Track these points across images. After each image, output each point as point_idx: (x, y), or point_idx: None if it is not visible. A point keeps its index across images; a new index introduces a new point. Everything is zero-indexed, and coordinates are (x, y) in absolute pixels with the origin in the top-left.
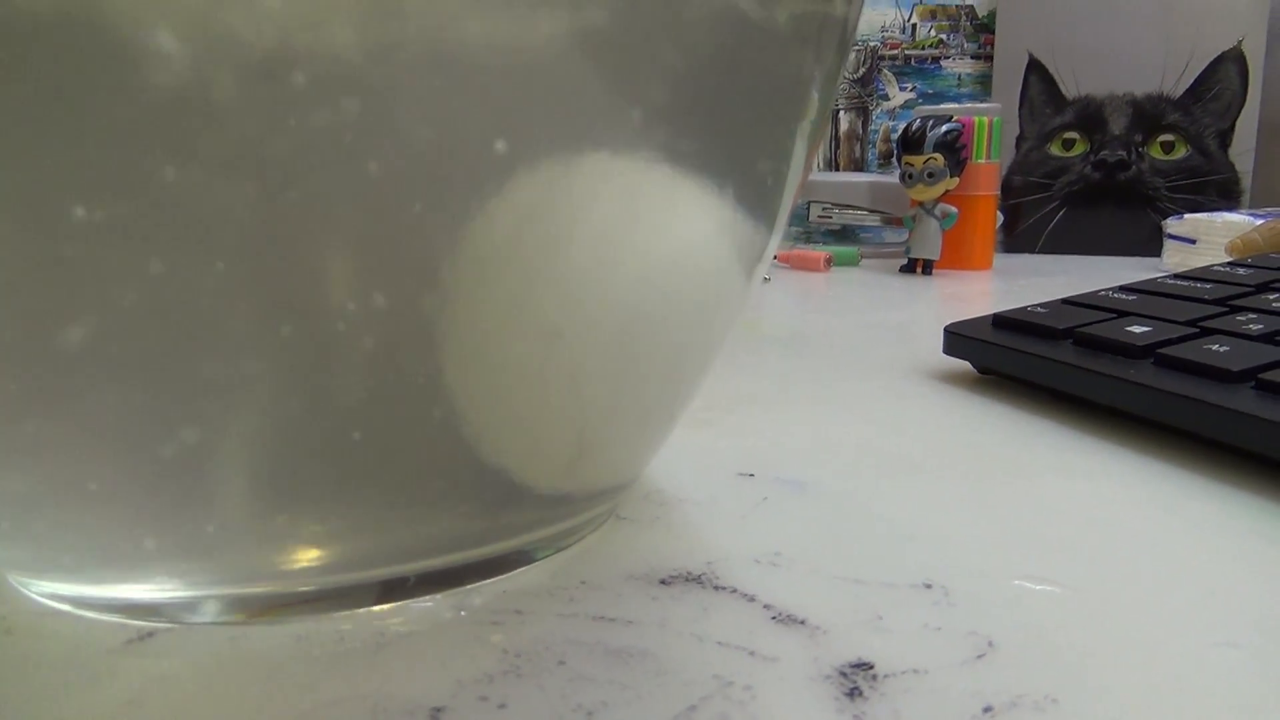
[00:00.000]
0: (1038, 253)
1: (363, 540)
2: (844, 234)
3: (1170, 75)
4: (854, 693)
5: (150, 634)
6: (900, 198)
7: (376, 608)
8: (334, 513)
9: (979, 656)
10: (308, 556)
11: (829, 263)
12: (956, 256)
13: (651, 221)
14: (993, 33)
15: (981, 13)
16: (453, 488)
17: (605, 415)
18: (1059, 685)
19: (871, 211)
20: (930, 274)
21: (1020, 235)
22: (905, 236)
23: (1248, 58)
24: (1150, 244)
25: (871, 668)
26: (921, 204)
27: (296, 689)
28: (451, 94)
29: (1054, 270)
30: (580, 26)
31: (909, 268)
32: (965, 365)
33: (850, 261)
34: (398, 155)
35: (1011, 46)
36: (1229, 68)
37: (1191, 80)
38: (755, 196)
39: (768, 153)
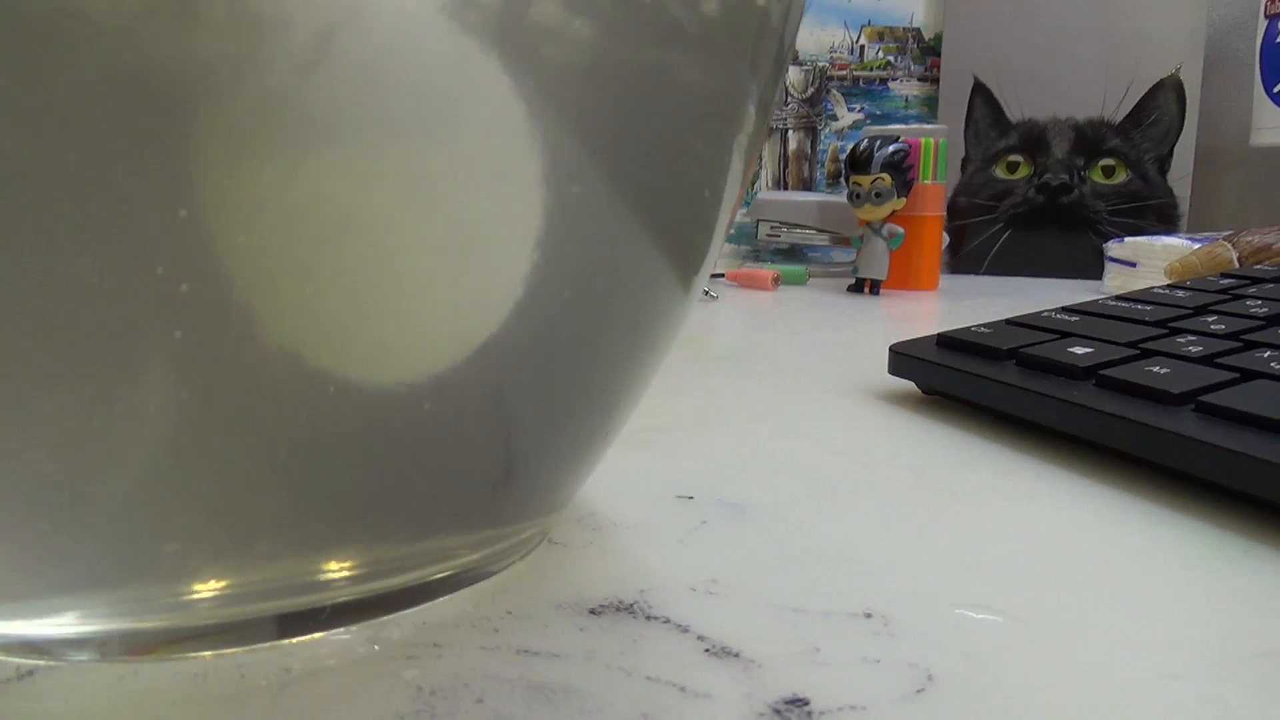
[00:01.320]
0: (983, 274)
1: (265, 570)
2: (792, 253)
3: (1111, 101)
4: None
5: (30, 672)
6: (848, 217)
7: (283, 642)
8: (230, 540)
9: (918, 691)
10: (205, 588)
11: (777, 281)
12: (903, 277)
13: (582, 234)
14: (939, 55)
15: (928, 36)
16: (366, 511)
17: (532, 434)
18: None
19: (820, 231)
20: (877, 294)
21: (966, 256)
22: (853, 256)
23: (1185, 86)
24: (1092, 266)
25: (807, 704)
26: (869, 224)
27: None
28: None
29: (999, 291)
30: (509, 35)
31: (856, 287)
32: (910, 385)
33: (798, 280)
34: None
35: (957, 69)
36: (1167, 95)
37: (1131, 106)
38: (693, 211)
39: (705, 167)
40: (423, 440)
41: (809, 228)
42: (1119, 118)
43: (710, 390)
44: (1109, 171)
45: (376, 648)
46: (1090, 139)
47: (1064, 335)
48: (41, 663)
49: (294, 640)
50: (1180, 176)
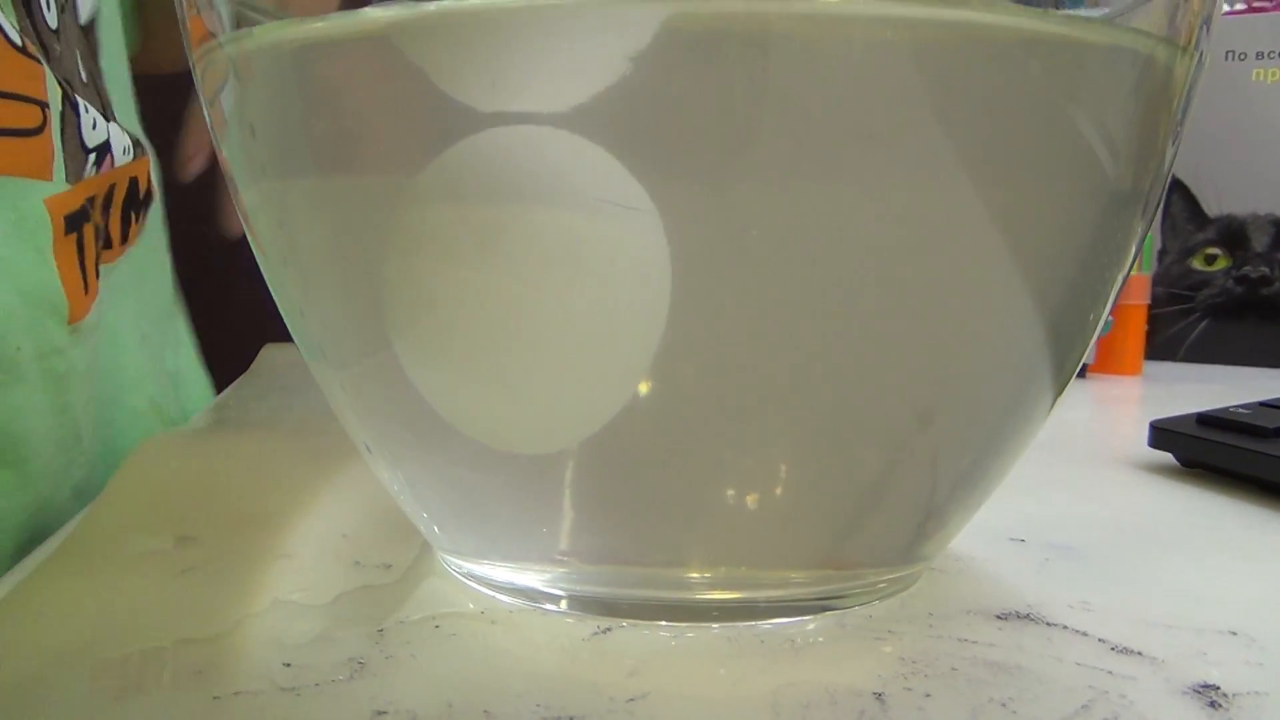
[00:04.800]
0: (1179, 361)
1: (756, 574)
2: None
3: None
4: (1214, 704)
5: (608, 629)
6: None
7: (768, 621)
8: (742, 556)
9: None
10: (714, 578)
11: None
12: (1108, 362)
13: (1013, 345)
14: None
15: None
16: (846, 542)
17: (951, 491)
18: None
19: None
20: (1084, 376)
21: (1162, 344)
22: None
23: None
24: None
25: (1219, 688)
26: None
27: (758, 673)
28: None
29: (1204, 378)
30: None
31: None
32: (1166, 458)
33: None
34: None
35: None
36: None
37: None
38: (1084, 330)
39: (1097, 297)
40: (886, 492)
41: None
42: None
43: None
44: None
45: (845, 627)
46: None
47: None
48: (613, 624)
49: (774, 621)
50: None
